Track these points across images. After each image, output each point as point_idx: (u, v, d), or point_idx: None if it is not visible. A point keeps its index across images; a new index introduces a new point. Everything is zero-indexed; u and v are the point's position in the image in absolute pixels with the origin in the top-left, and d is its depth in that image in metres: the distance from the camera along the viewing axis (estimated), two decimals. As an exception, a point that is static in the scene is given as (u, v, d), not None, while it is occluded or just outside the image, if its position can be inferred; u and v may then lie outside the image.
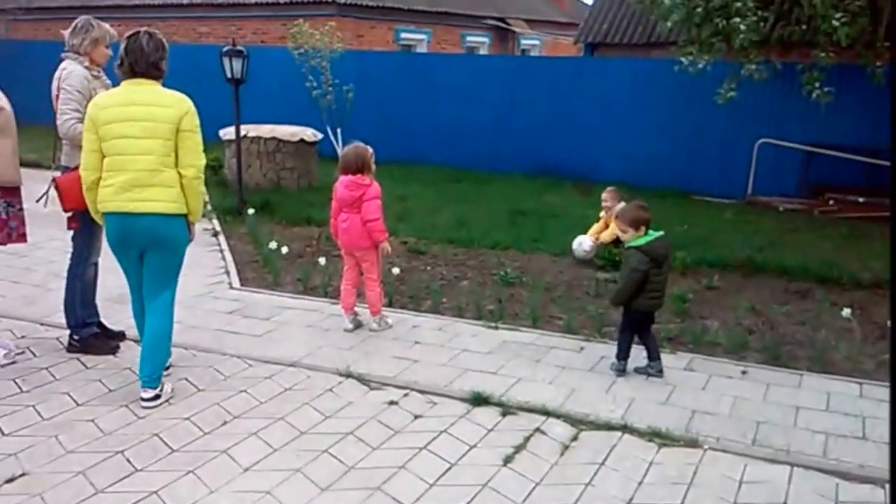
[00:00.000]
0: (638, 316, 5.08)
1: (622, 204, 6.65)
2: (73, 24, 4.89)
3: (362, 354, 5.25)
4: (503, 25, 22.95)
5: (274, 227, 8.96)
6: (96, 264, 5.15)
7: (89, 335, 5.12)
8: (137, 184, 4.21)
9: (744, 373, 5.13)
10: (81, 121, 4.54)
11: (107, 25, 5.01)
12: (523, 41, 24.17)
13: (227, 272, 7.13)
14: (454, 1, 21.30)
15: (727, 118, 11.57)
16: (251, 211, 9.13)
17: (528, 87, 13.51)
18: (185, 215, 4.39)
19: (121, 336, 5.28)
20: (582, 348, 5.51)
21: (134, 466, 3.76)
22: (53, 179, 4.78)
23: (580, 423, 4.35)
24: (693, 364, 5.27)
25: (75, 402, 4.40)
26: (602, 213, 8.27)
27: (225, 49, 9.39)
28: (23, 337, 5.29)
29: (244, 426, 4.19)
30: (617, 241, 7.16)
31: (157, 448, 3.93)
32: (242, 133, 10.40)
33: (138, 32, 4.37)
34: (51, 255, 7.11)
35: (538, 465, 3.92)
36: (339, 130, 12.66)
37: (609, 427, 4.31)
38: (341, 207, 5.64)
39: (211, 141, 12.27)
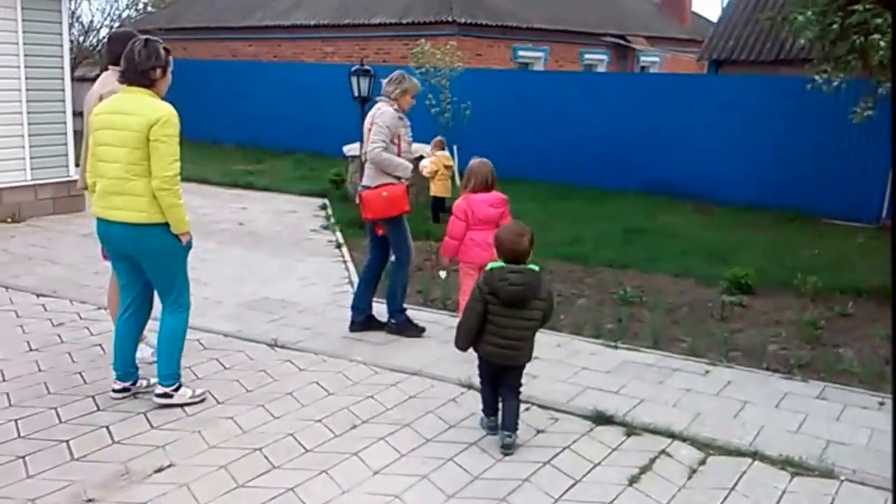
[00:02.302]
0: (483, 365, 4.27)
1: (443, 152, 6.53)
2: (390, 76, 5.95)
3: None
4: (623, 43, 22.74)
5: (394, 240, 9.16)
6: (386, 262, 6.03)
7: (404, 320, 5.92)
8: (109, 191, 4.29)
9: (881, 404, 4.92)
10: (385, 149, 5.65)
11: (415, 80, 6.01)
12: (643, 58, 23.86)
13: (351, 282, 7.34)
14: (573, 19, 21.26)
15: (859, 138, 11.11)
16: (373, 224, 9.36)
17: (645, 104, 13.35)
18: (165, 223, 4.28)
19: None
20: (707, 371, 5.40)
21: (271, 463, 3.94)
22: (359, 195, 5.87)
23: (707, 448, 4.27)
24: (826, 393, 5.08)
25: (216, 399, 4.65)
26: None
27: (353, 69, 9.71)
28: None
29: (372, 431, 4.32)
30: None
31: (291, 447, 4.11)
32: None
33: (136, 40, 4.33)
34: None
35: (665, 487, 3.88)
36: (455, 147, 12.84)
37: (739, 453, 4.22)
38: (475, 224, 5.56)
39: (335, 156, 12.78)
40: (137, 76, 4.27)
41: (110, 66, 4.88)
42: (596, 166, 13.53)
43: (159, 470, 3.85)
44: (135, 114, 4.22)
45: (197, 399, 4.59)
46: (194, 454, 4.02)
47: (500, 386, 4.24)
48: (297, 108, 16.63)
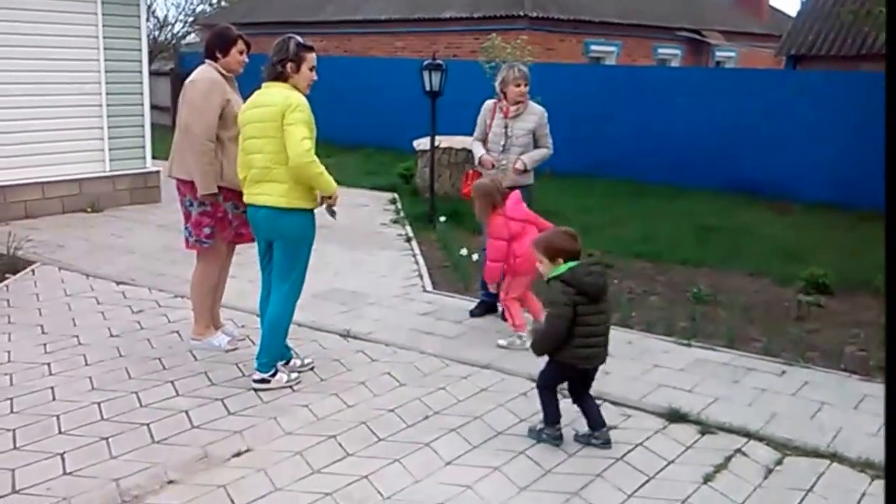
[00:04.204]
0: (567, 372, 4.12)
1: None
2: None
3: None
4: (697, 37, 22.33)
5: (462, 234, 9.17)
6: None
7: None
8: (255, 179, 4.64)
9: (968, 409, 4.74)
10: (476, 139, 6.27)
11: (514, 71, 6.10)
12: (718, 53, 23.40)
13: (420, 276, 7.39)
14: (647, 13, 20.96)
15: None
16: (442, 218, 9.42)
17: (720, 100, 13.07)
18: (303, 209, 4.62)
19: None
20: (783, 372, 5.28)
21: (346, 451, 4.01)
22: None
23: (784, 448, 4.18)
24: (909, 396, 4.92)
25: (290, 388, 4.74)
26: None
27: (425, 63, 9.73)
28: (243, 326, 5.74)
29: (444, 422, 4.35)
30: None
31: (365, 436, 4.16)
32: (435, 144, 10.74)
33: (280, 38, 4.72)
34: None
35: (741, 486, 3.81)
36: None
37: (817, 454, 4.12)
38: (516, 237, 5.41)
39: (405, 151, 12.87)
40: (271, 70, 4.62)
41: (206, 60, 5.17)
42: (670, 164, 13.31)
43: (237, 454, 3.95)
44: (271, 105, 4.53)
45: (293, 383, 4.75)
46: (271, 440, 4.10)
47: (578, 389, 4.20)
48: (366, 103, 16.77)
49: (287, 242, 4.69)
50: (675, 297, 6.98)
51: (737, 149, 12.83)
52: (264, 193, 4.61)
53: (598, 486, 3.77)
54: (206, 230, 5.17)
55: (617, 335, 5.84)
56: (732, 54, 23.85)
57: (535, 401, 4.66)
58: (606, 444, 4.11)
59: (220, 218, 5.14)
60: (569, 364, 4.05)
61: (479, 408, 4.56)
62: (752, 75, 14.68)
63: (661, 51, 21.69)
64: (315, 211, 4.75)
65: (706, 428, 4.38)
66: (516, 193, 5.61)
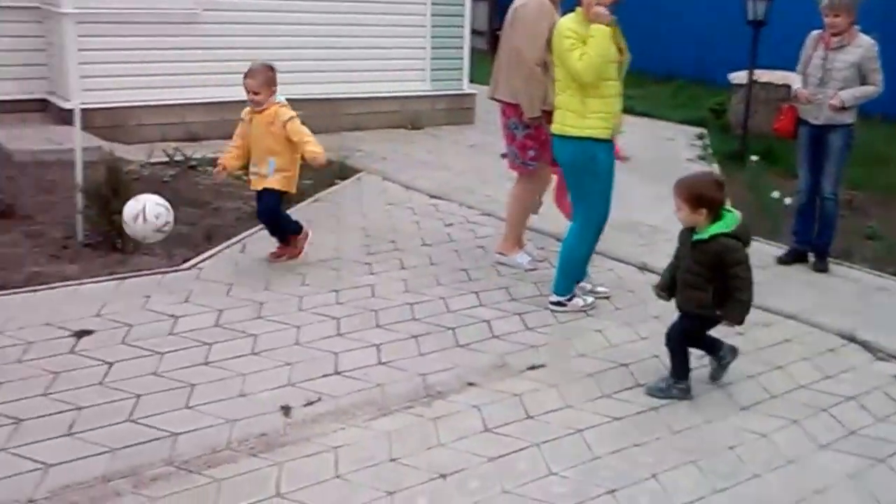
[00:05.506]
0: (708, 325, 3.90)
1: None
2: None
3: (868, 321, 4.88)
4: None
5: (774, 176, 8.60)
6: None
7: None
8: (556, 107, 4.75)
9: None
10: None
11: None
12: None
13: (726, 216, 7.07)
14: None
15: None
16: (754, 158, 8.90)
17: None
18: (576, 137, 4.57)
19: None
20: None
21: (636, 380, 4.05)
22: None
23: None
24: None
25: (584, 312, 4.84)
26: None
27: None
28: (542, 248, 5.91)
29: (743, 368, 4.19)
30: None
31: (656, 368, 4.16)
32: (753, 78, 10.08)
33: None
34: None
35: None
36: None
37: None
38: None
39: (719, 84, 12.21)
40: None
41: None
42: None
43: (532, 367, 4.13)
44: (557, 35, 4.61)
45: (588, 308, 4.87)
46: (565, 359, 4.24)
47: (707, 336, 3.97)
48: (681, 32, 16.09)
49: (567, 171, 4.78)
50: None
51: None
52: (555, 121, 4.73)
53: (912, 459, 3.48)
54: (531, 153, 5.33)
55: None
56: None
57: (844, 360, 4.39)
58: (734, 353, 4.01)
59: (544, 141, 5.21)
60: (714, 318, 3.82)
61: (780, 358, 4.36)
62: None
63: None
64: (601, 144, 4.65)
65: None
66: None
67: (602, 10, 4.41)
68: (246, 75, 5.10)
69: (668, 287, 3.99)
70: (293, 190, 5.43)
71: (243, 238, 5.74)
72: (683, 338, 3.90)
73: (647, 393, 3.88)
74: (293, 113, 5.17)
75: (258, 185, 5.28)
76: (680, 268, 3.89)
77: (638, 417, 3.71)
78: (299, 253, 5.44)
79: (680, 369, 3.90)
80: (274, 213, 5.31)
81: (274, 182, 5.21)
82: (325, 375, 3.94)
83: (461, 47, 10.62)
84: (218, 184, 6.54)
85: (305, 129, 5.16)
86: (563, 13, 4.75)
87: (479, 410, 3.68)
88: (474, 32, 11.67)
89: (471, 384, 3.93)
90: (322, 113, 9.32)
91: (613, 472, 3.26)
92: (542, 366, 4.15)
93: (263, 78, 5.08)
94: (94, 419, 3.43)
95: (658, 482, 3.22)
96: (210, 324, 4.41)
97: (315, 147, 5.13)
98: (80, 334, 4.19)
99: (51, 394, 3.62)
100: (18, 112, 8.35)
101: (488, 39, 17.99)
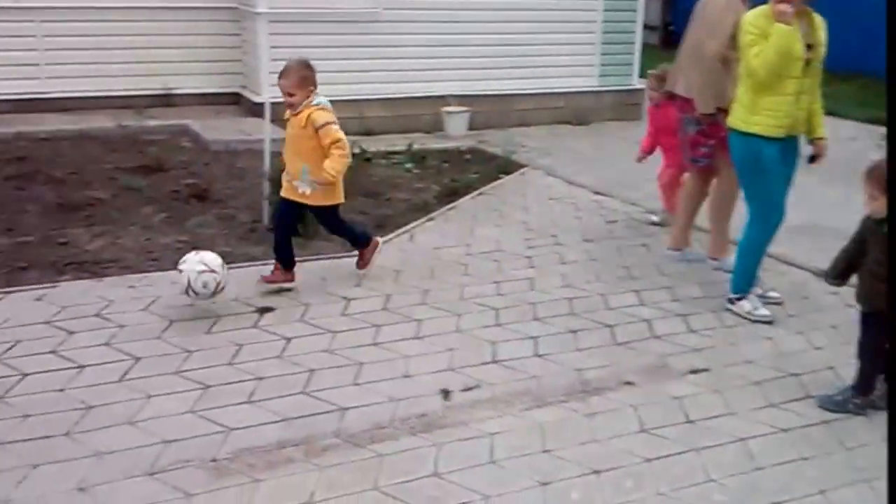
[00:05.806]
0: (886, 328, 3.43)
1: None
2: None
3: None
4: None
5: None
6: None
7: None
8: None
9: None
10: None
11: None
12: None
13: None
14: None
15: None
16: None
17: None
18: (741, 132, 4.50)
19: None
20: None
21: (807, 391, 3.88)
22: None
23: None
24: None
25: (746, 318, 4.68)
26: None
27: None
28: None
29: None
30: None
31: (830, 380, 3.97)
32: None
33: None
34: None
35: None
36: None
37: None
38: None
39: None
40: None
41: None
42: None
43: (694, 371, 4.06)
44: (741, 28, 4.52)
45: (756, 318, 4.60)
46: (729, 365, 4.13)
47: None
48: (871, 26, 15.09)
49: (737, 168, 4.69)
50: None
51: None
52: (730, 113, 4.67)
53: None
54: (702, 149, 5.22)
55: None
56: None
57: None
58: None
59: (723, 137, 4.93)
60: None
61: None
62: None
63: None
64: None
65: None
66: None
67: (785, 7, 4.22)
68: (280, 75, 4.56)
69: (844, 274, 3.77)
70: (340, 199, 4.81)
71: (412, 228, 5.97)
72: (878, 345, 3.59)
73: (820, 405, 3.72)
74: (331, 118, 4.59)
75: (290, 194, 4.71)
76: (867, 258, 3.62)
77: (807, 430, 3.57)
78: (366, 265, 5.01)
79: (864, 384, 3.68)
80: (335, 229, 4.95)
81: (317, 198, 4.68)
82: (483, 363, 4.04)
83: (633, 42, 10.46)
84: (390, 176, 6.80)
85: (339, 137, 4.57)
86: (752, 6, 4.62)
87: (636, 410, 3.66)
88: (646, 27, 11.44)
89: (628, 383, 3.92)
90: (493, 109, 9.48)
91: (777, 484, 3.17)
92: (704, 370, 4.07)
93: (298, 77, 4.52)
94: (272, 389, 3.69)
95: (826, 498, 3.10)
96: (379, 307, 4.62)
97: (333, 163, 4.53)
98: (263, 311, 4.51)
99: (235, 363, 3.93)
100: (214, 105, 9.10)
101: (660, 35, 17.59)
